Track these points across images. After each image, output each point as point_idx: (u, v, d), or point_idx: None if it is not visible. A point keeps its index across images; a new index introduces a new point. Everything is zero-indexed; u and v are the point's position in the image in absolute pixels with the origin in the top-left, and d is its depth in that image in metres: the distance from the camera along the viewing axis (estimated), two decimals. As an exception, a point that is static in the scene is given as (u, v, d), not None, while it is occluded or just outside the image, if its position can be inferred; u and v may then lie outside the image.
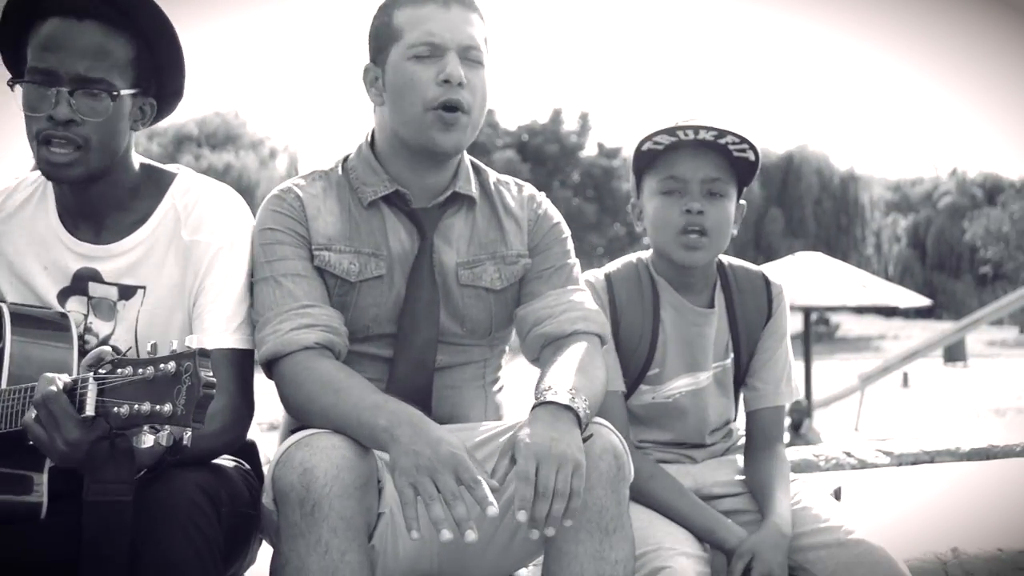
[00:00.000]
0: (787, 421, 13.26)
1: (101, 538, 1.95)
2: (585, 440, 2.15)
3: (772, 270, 2.79)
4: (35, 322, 2.26)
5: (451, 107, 2.35)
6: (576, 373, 2.28)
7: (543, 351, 2.45)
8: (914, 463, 4.41)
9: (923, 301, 18.30)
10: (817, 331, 37.38)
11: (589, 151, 55.10)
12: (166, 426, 1.83)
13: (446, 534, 1.99)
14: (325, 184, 2.49)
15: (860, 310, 44.40)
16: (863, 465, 4.33)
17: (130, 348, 2.34)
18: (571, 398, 2.18)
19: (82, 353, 2.19)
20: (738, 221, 2.69)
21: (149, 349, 1.89)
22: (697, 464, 2.70)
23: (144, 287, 2.36)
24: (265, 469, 2.33)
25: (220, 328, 2.33)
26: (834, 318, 47.37)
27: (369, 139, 2.53)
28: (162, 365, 1.83)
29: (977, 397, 23.14)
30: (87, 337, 2.35)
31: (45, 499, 2.14)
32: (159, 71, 2.34)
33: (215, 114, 56.37)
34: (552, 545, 2.19)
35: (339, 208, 2.46)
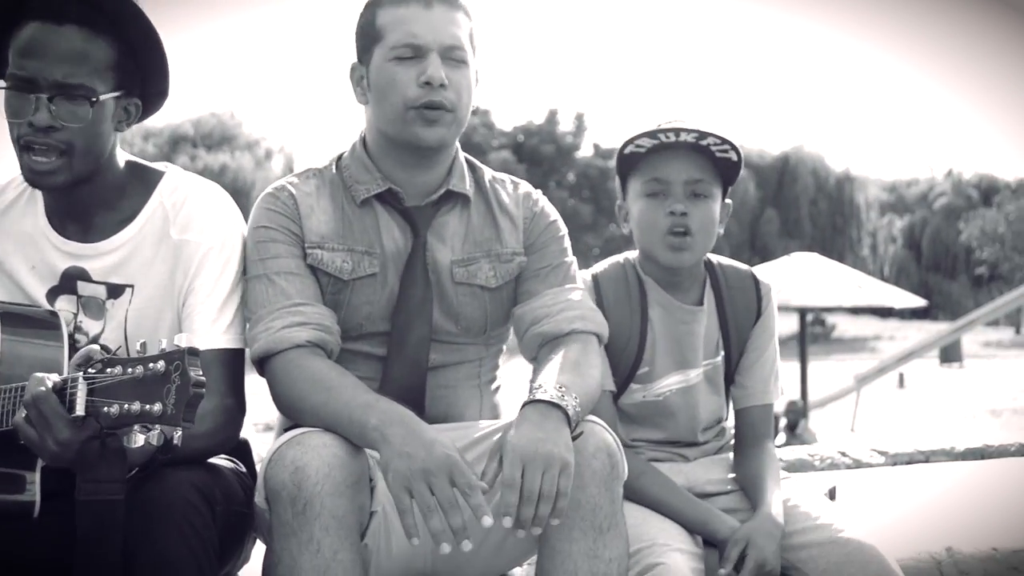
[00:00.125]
0: (783, 421, 13.35)
1: (94, 537, 1.95)
2: (575, 438, 2.15)
3: (768, 271, 2.80)
4: (25, 321, 2.25)
5: (433, 107, 2.36)
6: (568, 371, 2.27)
7: (540, 350, 2.44)
8: (909, 463, 4.41)
9: (919, 302, 18.34)
10: (813, 332, 37.41)
11: (585, 152, 55.21)
12: (156, 425, 1.82)
13: (445, 547, 2.01)
14: (319, 182, 2.49)
15: (856, 311, 44.43)
16: (858, 465, 4.32)
17: (120, 347, 2.34)
18: (560, 396, 2.17)
19: (73, 352, 2.19)
20: (724, 221, 2.69)
21: (138, 348, 1.89)
22: (690, 463, 2.71)
23: (132, 286, 2.36)
24: (258, 468, 2.32)
25: (210, 328, 2.32)
26: (830, 319, 47.41)
27: (362, 137, 2.53)
28: (151, 364, 1.83)
29: (973, 398, 23.16)
30: (77, 336, 2.35)
31: (38, 498, 2.14)
32: (143, 72, 2.32)
33: (211, 115, 56.47)
34: (546, 544, 2.19)
35: (332, 206, 2.45)
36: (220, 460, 2.35)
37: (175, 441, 1.85)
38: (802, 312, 16.18)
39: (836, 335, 46.73)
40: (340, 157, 2.54)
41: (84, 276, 2.36)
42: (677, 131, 2.56)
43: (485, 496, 2.04)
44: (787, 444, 11.16)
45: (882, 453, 4.43)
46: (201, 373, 1.82)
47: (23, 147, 2.24)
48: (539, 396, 2.18)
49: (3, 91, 2.24)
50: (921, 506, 3.62)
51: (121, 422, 1.85)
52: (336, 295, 2.41)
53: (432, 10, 2.37)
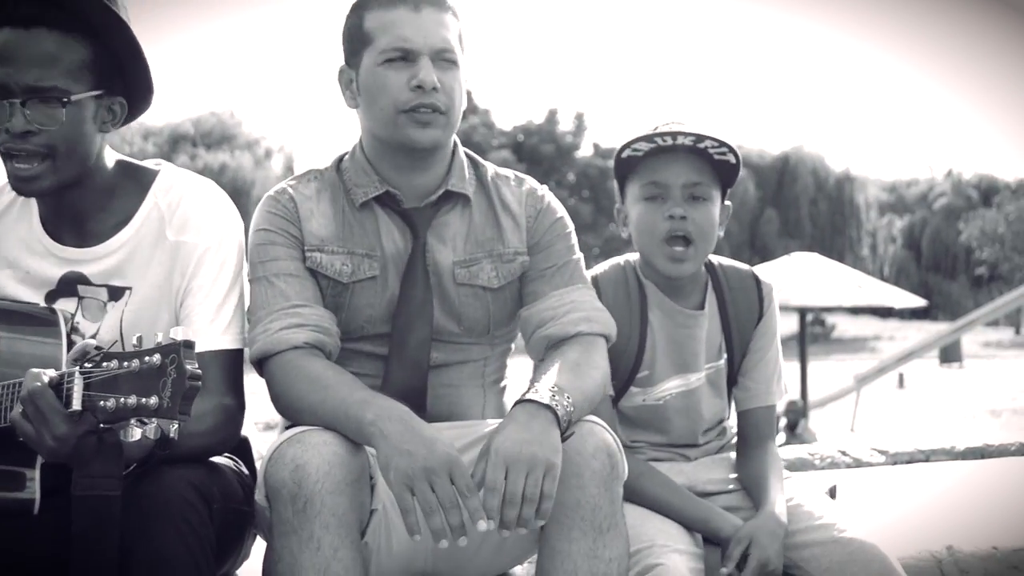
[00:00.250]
0: (783, 421, 13.33)
1: (90, 533, 1.94)
2: (565, 439, 2.14)
3: (768, 271, 2.79)
4: (23, 318, 2.25)
5: (424, 110, 2.35)
6: (567, 373, 2.27)
7: (547, 352, 2.43)
8: (909, 462, 4.41)
9: (919, 302, 18.33)
10: (813, 332, 37.43)
11: (585, 151, 55.20)
12: (153, 419, 1.82)
13: (444, 543, 2.01)
14: (319, 185, 2.48)
15: (856, 311, 44.48)
16: (858, 464, 4.32)
17: (115, 343, 2.33)
18: (551, 396, 2.16)
19: (71, 349, 2.18)
20: (723, 223, 2.68)
21: (135, 342, 1.89)
22: (691, 462, 2.70)
23: (130, 288, 2.35)
24: (258, 466, 2.32)
25: (209, 328, 2.32)
26: (830, 319, 47.42)
27: (360, 140, 2.52)
28: (147, 358, 1.83)
29: (972, 398, 23.16)
30: (73, 337, 2.33)
31: (38, 495, 2.13)
32: (122, 69, 2.30)
33: (211, 114, 56.46)
34: (546, 543, 2.19)
35: (333, 209, 2.45)
36: (219, 458, 2.34)
37: (172, 435, 1.84)
38: (802, 312, 16.17)
39: (836, 335, 46.74)
40: (341, 159, 2.54)
41: (83, 280, 2.35)
42: (674, 134, 2.54)
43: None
44: (787, 444, 11.15)
45: (882, 452, 4.43)
46: (197, 366, 1.82)
47: (5, 155, 2.23)
48: (529, 396, 2.17)
49: None
50: (922, 505, 3.62)
51: (117, 416, 1.85)
52: (336, 298, 2.41)
53: (421, 13, 2.36)
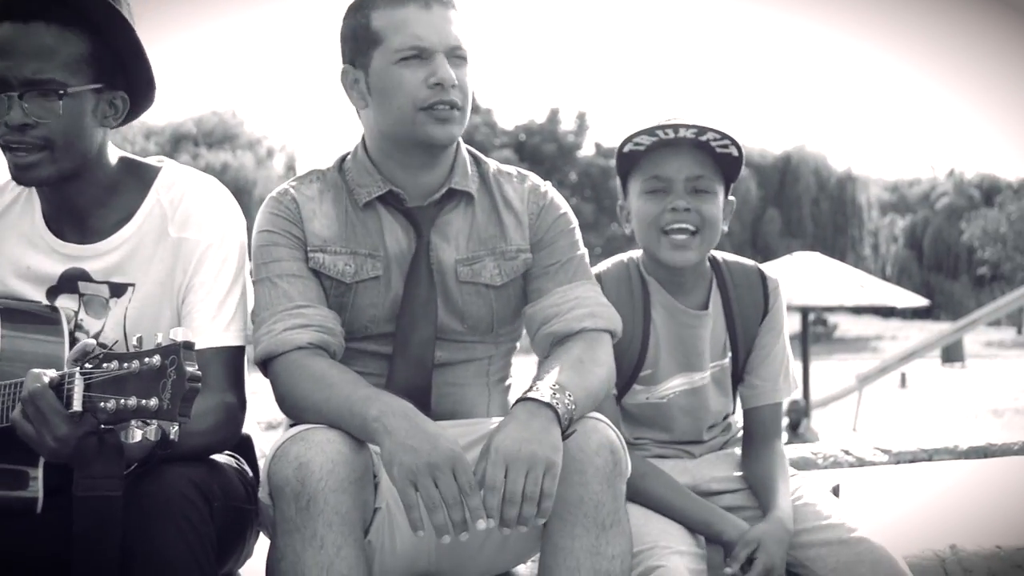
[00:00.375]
0: (785, 421, 13.30)
1: (92, 533, 1.94)
2: (567, 437, 2.14)
3: (770, 270, 2.77)
4: (25, 316, 2.25)
5: (443, 106, 2.35)
6: (569, 370, 2.26)
7: (552, 350, 2.43)
8: (912, 461, 4.40)
9: (921, 301, 18.34)
10: (815, 331, 37.39)
11: (586, 151, 55.26)
12: (153, 420, 1.82)
13: (446, 539, 2.01)
14: (321, 185, 2.48)
15: (858, 310, 44.44)
16: (861, 463, 4.31)
17: (116, 341, 2.33)
18: (552, 394, 2.16)
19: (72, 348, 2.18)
20: (728, 218, 2.66)
21: (135, 343, 1.89)
22: (695, 459, 2.69)
23: (133, 284, 2.35)
24: (261, 464, 2.32)
25: (210, 325, 2.32)
26: (832, 318, 47.40)
27: (363, 140, 2.52)
28: (147, 359, 1.83)
29: (975, 398, 23.15)
30: (77, 334, 2.34)
31: (41, 494, 2.14)
32: (122, 64, 2.30)
33: (212, 113, 56.46)
34: (548, 540, 2.19)
35: (335, 210, 2.45)
36: (220, 456, 2.34)
37: (172, 436, 1.84)
38: (804, 312, 16.18)
39: (838, 335, 46.72)
40: (343, 159, 2.54)
41: (85, 277, 2.35)
42: (676, 127, 2.53)
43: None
44: (789, 443, 11.14)
45: (885, 451, 4.42)
46: (197, 367, 1.82)
47: (4, 148, 2.24)
48: (529, 395, 2.17)
49: None
50: (925, 504, 3.61)
51: (118, 417, 1.85)
52: (340, 298, 2.41)
53: (432, 11, 2.36)
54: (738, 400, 2.78)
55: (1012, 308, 24.30)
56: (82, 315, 2.35)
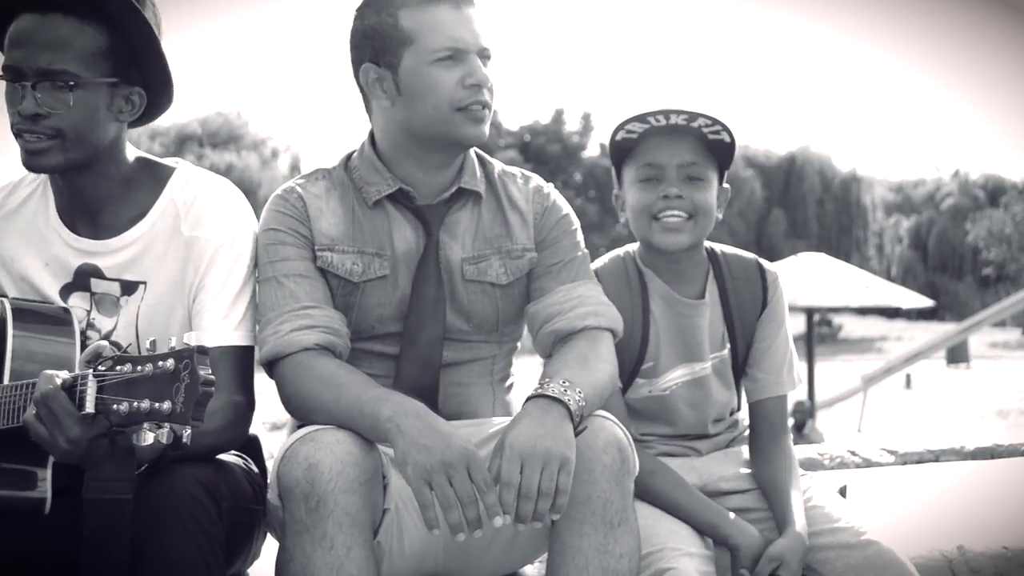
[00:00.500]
0: (790, 422, 13.29)
1: (101, 536, 1.95)
2: (578, 433, 2.14)
3: (768, 263, 2.77)
4: (37, 317, 2.25)
5: (479, 106, 2.38)
6: (575, 367, 2.27)
7: (554, 347, 2.43)
8: (919, 462, 4.40)
9: (926, 302, 18.31)
10: (820, 332, 37.41)
11: (591, 151, 55.24)
12: (166, 424, 1.82)
13: (461, 536, 2.01)
14: (328, 184, 2.48)
15: (863, 311, 44.39)
16: (868, 464, 4.32)
17: (130, 343, 2.34)
18: (563, 391, 2.17)
19: (84, 348, 2.19)
20: (722, 206, 2.66)
21: (148, 346, 1.88)
22: (702, 457, 2.68)
23: (145, 282, 2.36)
24: (269, 465, 2.32)
25: (220, 325, 2.32)
26: (836, 319, 47.37)
27: (371, 138, 2.51)
28: (161, 363, 1.83)
29: (980, 399, 23.14)
30: (89, 333, 2.35)
31: (49, 495, 2.14)
32: (139, 59, 2.31)
33: (217, 113, 56.53)
34: (556, 539, 2.19)
35: (342, 208, 2.45)
36: (228, 456, 2.35)
37: (184, 440, 1.84)
38: (809, 312, 16.17)
39: (843, 335, 46.70)
40: (349, 157, 2.53)
41: (97, 273, 2.36)
42: (667, 113, 2.53)
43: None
44: (795, 444, 11.14)
45: (892, 452, 4.42)
46: (211, 372, 1.82)
47: (16, 136, 2.26)
48: (541, 391, 2.17)
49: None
50: (932, 505, 3.62)
51: (130, 420, 1.85)
52: (347, 297, 2.41)
53: (461, 11, 2.37)
54: (743, 397, 2.77)
55: (1017, 309, 24.24)
56: (94, 314, 2.36)
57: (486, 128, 2.42)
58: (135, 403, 1.83)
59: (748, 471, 2.69)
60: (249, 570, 2.51)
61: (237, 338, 2.34)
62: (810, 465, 4.16)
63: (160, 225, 2.37)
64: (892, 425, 18.80)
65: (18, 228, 2.41)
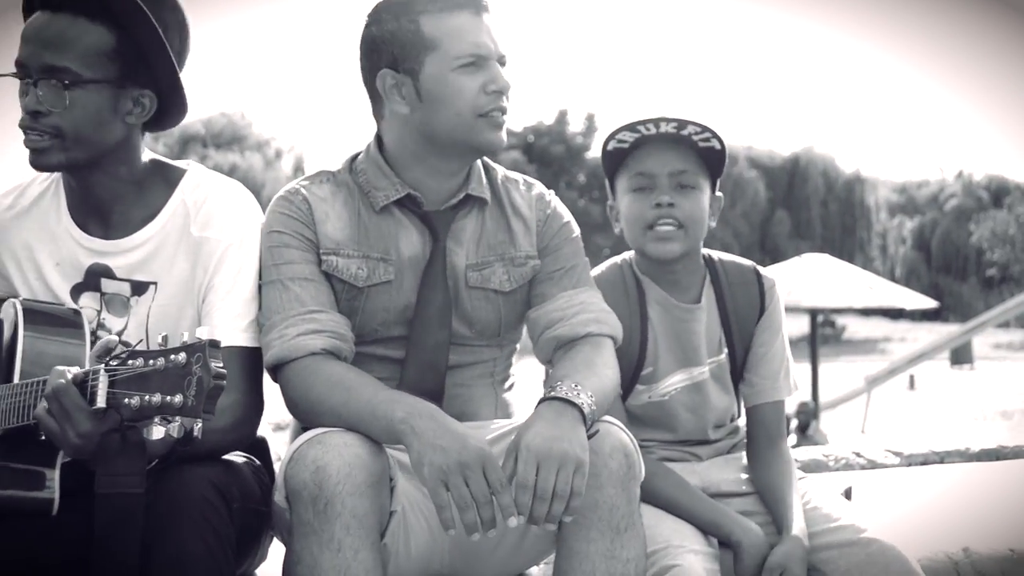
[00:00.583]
0: (794, 423, 13.30)
1: (112, 530, 1.94)
2: (590, 437, 2.15)
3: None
4: (48, 318, 2.26)
5: (500, 112, 2.39)
6: (583, 371, 2.28)
7: (555, 354, 2.44)
8: (924, 463, 4.40)
9: (930, 303, 18.28)
10: (823, 333, 37.34)
11: (595, 152, 55.05)
12: (177, 417, 1.83)
13: (476, 537, 2.02)
14: (333, 187, 2.47)
15: (866, 312, 44.39)
16: (873, 465, 4.31)
17: (140, 341, 2.33)
18: (576, 394, 2.17)
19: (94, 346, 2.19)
20: (715, 214, 2.68)
21: (160, 341, 1.89)
22: (703, 462, 2.69)
23: (155, 283, 2.36)
24: (276, 467, 2.32)
25: (230, 326, 2.32)
26: (840, 320, 47.34)
27: (378, 142, 2.51)
28: (172, 356, 1.83)
29: (984, 399, 23.12)
30: (100, 333, 2.35)
31: (57, 495, 2.14)
32: (147, 62, 2.30)
33: (221, 114, 56.58)
34: (563, 544, 2.19)
35: (347, 212, 2.44)
36: (237, 457, 2.35)
37: (196, 433, 1.84)
38: (812, 313, 16.15)
39: (846, 336, 46.68)
40: (354, 160, 2.53)
41: (108, 273, 2.36)
42: (657, 122, 2.55)
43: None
44: (799, 445, 11.15)
45: (897, 454, 4.42)
46: (222, 365, 1.83)
47: (23, 132, 2.27)
48: (555, 394, 2.18)
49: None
50: (937, 506, 3.61)
51: (142, 414, 1.85)
52: (351, 301, 2.41)
53: (482, 18, 2.38)
54: (742, 404, 2.78)
55: (1021, 310, 24.19)
56: (104, 314, 2.37)
57: (504, 134, 2.42)
58: (146, 397, 1.84)
59: (747, 476, 2.69)
60: (256, 571, 2.51)
61: (246, 338, 2.34)
62: (815, 467, 4.16)
63: (171, 226, 2.37)
64: (896, 426, 18.78)
65: (30, 227, 2.41)
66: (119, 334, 2.35)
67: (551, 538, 2.26)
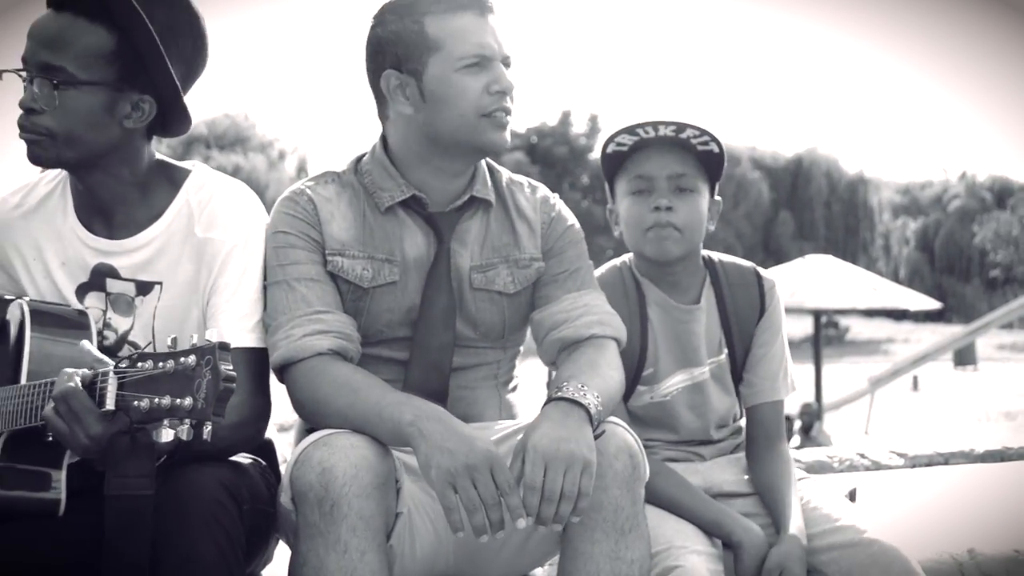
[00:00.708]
0: (797, 424, 13.29)
1: (123, 532, 1.95)
2: (597, 437, 2.15)
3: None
4: (54, 319, 2.26)
5: (503, 113, 2.39)
6: (589, 372, 2.28)
7: (559, 355, 2.44)
8: (928, 465, 4.39)
9: (933, 304, 18.29)
10: (827, 334, 37.30)
11: (598, 153, 55.15)
12: (186, 420, 1.83)
13: (485, 538, 2.02)
14: (338, 187, 2.47)
15: (870, 313, 44.39)
16: (877, 467, 4.31)
17: (148, 343, 2.34)
18: (582, 394, 2.18)
19: (100, 349, 2.19)
20: (714, 218, 2.69)
21: (169, 343, 1.89)
22: (706, 462, 2.69)
23: (160, 283, 2.36)
24: (282, 469, 2.32)
25: (236, 327, 2.31)
26: (843, 321, 47.32)
27: (383, 143, 2.51)
28: (182, 359, 1.83)
29: (987, 401, 23.10)
30: (106, 333, 2.35)
31: (63, 496, 2.14)
32: (146, 66, 2.30)
33: (224, 115, 56.59)
34: (568, 545, 2.19)
35: (353, 213, 2.44)
36: (244, 458, 2.34)
37: (205, 436, 1.84)
38: (816, 314, 16.15)
39: (850, 337, 46.65)
40: (358, 161, 2.53)
41: (113, 273, 2.36)
42: (655, 125, 2.56)
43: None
44: (802, 446, 11.14)
45: (901, 455, 4.41)
46: (232, 368, 1.82)
47: (18, 127, 2.29)
48: (561, 395, 2.18)
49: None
50: (941, 508, 3.61)
51: (151, 416, 1.85)
52: (356, 302, 2.41)
53: (486, 18, 2.38)
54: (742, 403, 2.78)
55: (1025, 311, 24.22)
56: (110, 314, 2.37)
57: (508, 135, 2.43)
58: (156, 399, 1.84)
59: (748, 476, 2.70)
60: (262, 573, 2.51)
61: (252, 339, 2.33)
62: (819, 468, 4.15)
63: (175, 226, 2.37)
64: (899, 428, 18.77)
65: (37, 226, 2.42)
66: (125, 334, 2.35)
67: (556, 539, 2.26)
